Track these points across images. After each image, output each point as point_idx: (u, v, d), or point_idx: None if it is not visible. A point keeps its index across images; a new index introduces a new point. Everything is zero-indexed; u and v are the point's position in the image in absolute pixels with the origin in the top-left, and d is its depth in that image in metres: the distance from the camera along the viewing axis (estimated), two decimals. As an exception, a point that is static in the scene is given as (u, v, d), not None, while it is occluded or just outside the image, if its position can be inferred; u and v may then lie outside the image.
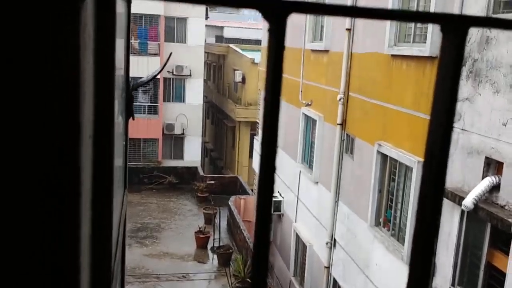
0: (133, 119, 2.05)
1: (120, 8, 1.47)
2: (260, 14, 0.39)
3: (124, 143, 2.01)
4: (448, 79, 0.45)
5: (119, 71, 1.65)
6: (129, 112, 1.95)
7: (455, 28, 0.43)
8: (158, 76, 25.78)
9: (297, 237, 13.63)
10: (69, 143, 0.57)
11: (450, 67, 0.44)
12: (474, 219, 6.66)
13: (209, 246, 18.53)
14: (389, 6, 8.81)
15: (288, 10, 0.37)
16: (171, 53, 5.34)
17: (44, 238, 0.58)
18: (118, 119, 1.60)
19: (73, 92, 0.56)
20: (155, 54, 25.84)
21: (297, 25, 13.80)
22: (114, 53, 0.96)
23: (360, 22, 10.25)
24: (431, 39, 7.54)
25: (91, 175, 0.82)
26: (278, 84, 0.37)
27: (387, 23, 8.86)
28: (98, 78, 0.82)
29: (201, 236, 18.49)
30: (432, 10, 7.56)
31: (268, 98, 0.38)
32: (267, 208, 0.41)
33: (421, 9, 8.24)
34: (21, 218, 0.59)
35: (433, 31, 7.51)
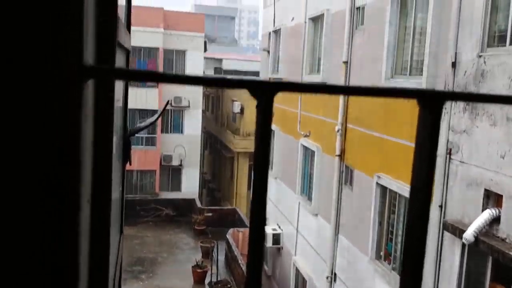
0: (130, 164, 2.03)
1: (118, 61, 1.50)
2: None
3: (120, 189, 1.99)
4: (425, 150, 0.46)
5: (118, 117, 1.65)
6: (126, 157, 1.94)
7: (430, 103, 0.45)
8: (156, 108, 25.91)
9: (297, 271, 13.44)
10: (68, 207, 0.59)
11: (426, 139, 0.46)
12: (475, 252, 6.58)
13: (206, 281, 18.23)
14: (384, 51, 8.92)
15: (274, 89, 0.37)
16: (168, 101, 5.45)
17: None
18: (117, 166, 1.59)
19: (73, 161, 0.58)
20: (153, 86, 26.05)
21: (295, 57, 13.97)
22: (111, 124, 0.98)
23: (357, 55, 10.37)
24: (428, 72, 7.61)
25: (88, 238, 0.82)
26: (266, 157, 0.37)
27: (384, 55, 8.96)
28: (96, 143, 0.85)
29: (199, 270, 18.22)
30: (427, 45, 7.66)
31: (256, 169, 0.37)
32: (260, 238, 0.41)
33: (416, 43, 8.35)
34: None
35: (429, 64, 7.59)
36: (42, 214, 0.57)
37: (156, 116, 3.61)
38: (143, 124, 3.50)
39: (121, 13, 1.76)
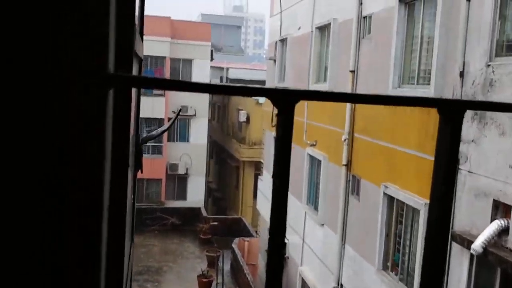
0: (141, 172, 2.03)
1: (134, 69, 1.51)
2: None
3: (132, 197, 1.97)
4: (445, 160, 0.45)
5: (131, 128, 1.66)
6: (138, 165, 1.93)
7: (451, 112, 0.44)
8: (163, 117, 26.00)
9: (303, 281, 13.34)
10: (92, 218, 0.60)
11: (447, 148, 0.46)
12: (483, 263, 6.50)
13: (212, 290, 18.15)
14: (392, 60, 8.91)
15: (296, 98, 0.36)
16: (180, 109, 5.49)
17: None
18: (129, 174, 1.59)
19: (98, 169, 0.59)
20: (160, 95, 26.15)
21: (301, 66, 13.98)
22: (128, 132, 0.99)
23: (364, 64, 10.36)
24: (435, 81, 7.58)
25: (106, 247, 0.83)
26: (287, 163, 0.36)
27: (391, 64, 8.94)
28: (114, 151, 0.85)
29: (204, 280, 18.14)
30: (435, 54, 7.63)
31: (276, 181, 0.36)
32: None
33: (424, 52, 8.33)
34: None
35: (437, 73, 7.56)
36: (71, 223, 0.58)
37: (168, 124, 3.62)
38: (154, 132, 3.52)
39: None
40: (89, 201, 0.58)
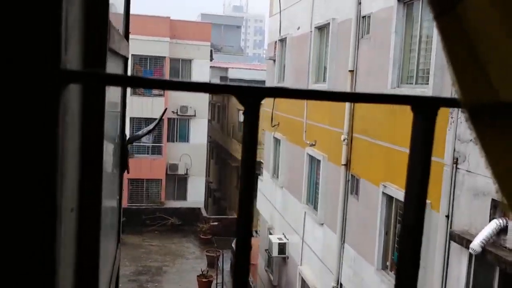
0: (128, 173, 2.03)
1: (116, 68, 1.49)
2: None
3: (118, 197, 1.97)
4: (419, 156, 0.45)
5: (115, 125, 1.65)
6: (123, 166, 1.93)
7: (424, 109, 0.45)
8: (163, 117, 25.99)
9: (303, 281, 13.34)
10: (45, 223, 0.57)
11: (420, 145, 0.45)
12: (482, 262, 6.51)
13: (212, 290, 18.15)
14: (390, 60, 8.92)
15: (260, 95, 0.37)
16: (166, 108, 5.49)
17: None
18: (113, 174, 1.58)
19: (49, 171, 0.56)
20: (159, 95, 26.15)
21: (301, 66, 13.99)
22: (101, 130, 0.97)
23: (363, 63, 10.37)
24: (434, 80, 7.58)
25: (74, 249, 0.80)
26: (252, 159, 0.36)
27: (390, 64, 8.95)
28: (85, 150, 0.83)
29: (204, 280, 18.14)
30: (433, 54, 7.64)
31: (242, 173, 0.36)
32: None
33: (422, 52, 8.34)
34: None
35: (435, 73, 7.57)
36: (16, 224, 0.56)
37: (153, 124, 3.62)
38: (141, 132, 3.52)
39: (119, 21, 1.76)
40: (41, 201, 0.56)
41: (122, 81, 0.37)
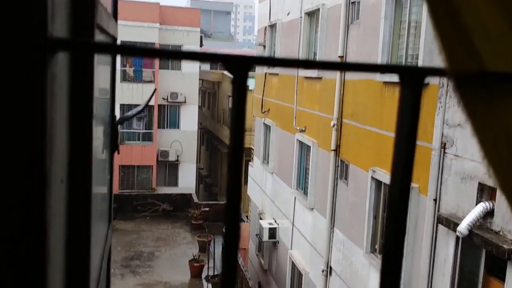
0: (118, 153, 2.05)
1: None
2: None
3: (109, 177, 2.00)
4: (406, 126, 0.46)
5: (105, 105, 1.66)
6: (114, 146, 1.95)
7: (412, 79, 0.45)
8: (153, 104, 25.88)
9: (293, 264, 13.49)
10: (34, 192, 0.57)
11: (408, 115, 0.46)
12: (469, 245, 6.63)
13: (203, 275, 18.29)
14: (380, 45, 8.94)
15: (248, 63, 0.38)
16: (155, 89, 5.47)
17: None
18: (103, 153, 1.60)
19: (38, 141, 0.56)
20: (150, 81, 25.99)
21: (291, 52, 13.96)
22: (90, 100, 0.97)
23: (353, 49, 10.39)
24: (423, 65, 7.62)
25: (64, 220, 0.82)
26: (241, 129, 0.38)
27: (379, 49, 8.98)
28: (74, 122, 0.83)
29: (196, 264, 18.27)
30: (422, 39, 7.67)
31: (231, 145, 0.39)
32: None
33: (411, 38, 8.37)
34: None
35: (424, 58, 7.61)
36: (5, 192, 0.56)
37: (143, 104, 3.63)
38: (130, 113, 3.52)
39: (108, 2, 1.77)
40: (31, 170, 0.56)
41: (111, 49, 0.39)
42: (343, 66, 0.49)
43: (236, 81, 0.38)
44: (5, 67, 0.53)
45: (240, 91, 0.38)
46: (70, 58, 0.78)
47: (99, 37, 1.21)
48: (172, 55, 0.39)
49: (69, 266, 0.86)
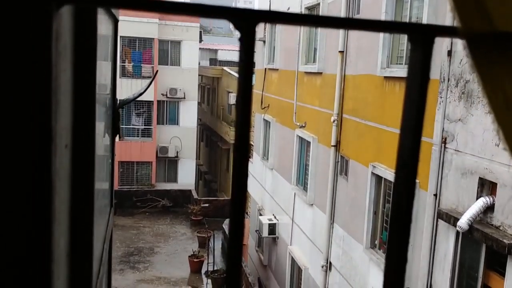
0: (120, 138, 2.04)
1: (106, 29, 1.47)
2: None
3: (110, 161, 1.98)
4: (416, 83, 0.45)
5: (106, 89, 1.64)
6: (115, 130, 1.93)
7: (422, 37, 0.44)
8: (152, 99, 25.84)
9: (292, 260, 13.49)
10: (41, 152, 0.56)
11: (418, 75, 0.44)
12: (469, 240, 6.62)
13: (203, 271, 18.31)
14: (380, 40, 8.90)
15: (256, 19, 0.37)
16: (157, 71, 5.44)
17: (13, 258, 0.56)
18: (105, 137, 1.58)
19: (44, 102, 0.55)
20: (149, 77, 25.94)
21: (291, 47, 13.93)
22: (95, 62, 0.95)
23: (353, 44, 10.36)
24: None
25: (68, 185, 0.80)
26: (249, 92, 0.37)
27: (380, 45, 8.95)
28: (77, 86, 0.82)
29: (195, 260, 18.28)
30: (425, 18, 7.65)
31: (239, 108, 0.37)
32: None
33: (414, 19, 8.33)
34: None
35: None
36: (12, 152, 0.55)
37: (144, 87, 3.61)
38: (131, 96, 3.49)
39: None
40: (36, 131, 0.55)
41: (116, 1, 0.38)
42: (351, 22, 0.47)
43: (243, 37, 0.36)
44: (12, 20, 0.52)
45: (247, 49, 0.36)
46: (74, 18, 0.77)
47: (104, 19, 1.19)
48: (176, 9, 0.37)
49: (73, 230, 0.85)
